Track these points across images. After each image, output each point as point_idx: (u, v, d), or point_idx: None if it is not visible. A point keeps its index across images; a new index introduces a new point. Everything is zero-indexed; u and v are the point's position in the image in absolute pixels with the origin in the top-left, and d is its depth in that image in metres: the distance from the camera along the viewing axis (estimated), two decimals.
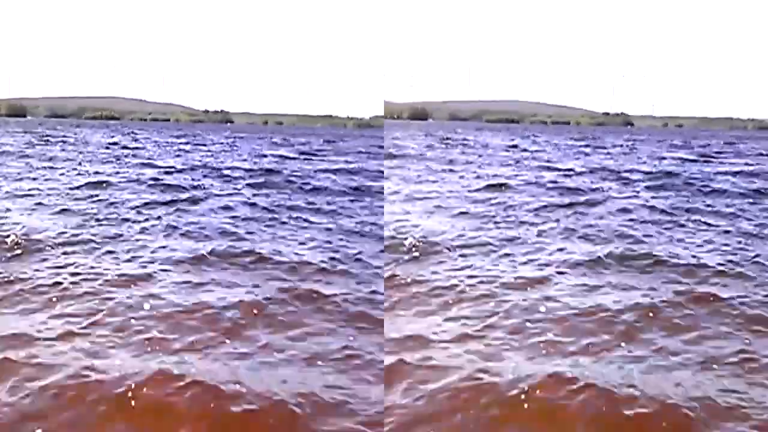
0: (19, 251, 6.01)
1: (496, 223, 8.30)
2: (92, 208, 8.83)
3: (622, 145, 33.54)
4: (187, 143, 32.45)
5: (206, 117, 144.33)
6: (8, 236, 6.43)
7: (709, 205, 10.28)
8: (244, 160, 20.42)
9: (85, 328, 4.15)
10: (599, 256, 6.25)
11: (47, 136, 35.12)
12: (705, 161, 22.07)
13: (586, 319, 4.54)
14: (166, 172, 14.76)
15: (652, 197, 11.23)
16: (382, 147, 28.25)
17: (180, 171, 15.31)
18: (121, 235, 6.91)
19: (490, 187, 11.97)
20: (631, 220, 8.88)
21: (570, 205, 9.97)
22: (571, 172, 15.66)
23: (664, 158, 23.20)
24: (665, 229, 8.11)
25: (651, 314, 4.66)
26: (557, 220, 8.61)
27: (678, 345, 4.19)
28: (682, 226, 8.43)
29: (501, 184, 12.32)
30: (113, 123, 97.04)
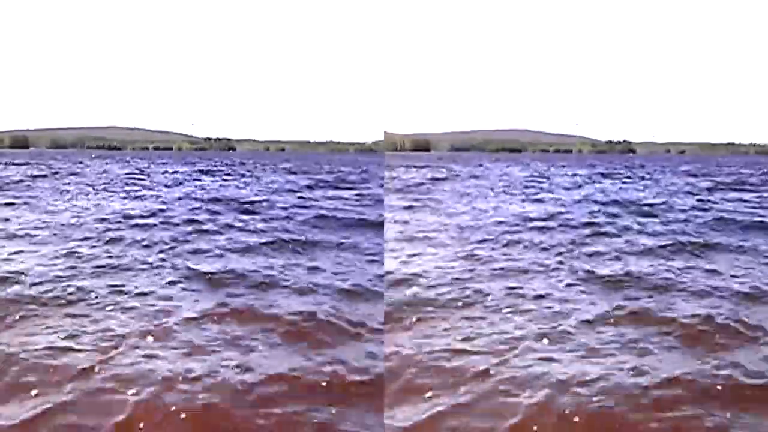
0: (17, 308, 5.61)
1: (502, 264, 7.89)
2: (97, 249, 8.50)
3: (629, 176, 33.28)
4: (191, 171, 32.35)
5: (208, 144, 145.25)
6: (8, 288, 6.18)
7: (740, 242, 9.56)
8: (259, 190, 19.99)
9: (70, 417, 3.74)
10: (616, 311, 5.75)
11: (50, 167, 35.02)
12: (723, 189, 21.57)
13: (608, 403, 3.91)
14: (173, 205, 14.45)
15: (671, 231, 10.69)
16: (384, 177, 28.07)
17: (186, 202, 15.01)
18: (124, 286, 6.51)
19: (495, 223, 11.60)
20: (649, 256, 8.46)
21: (582, 242, 9.58)
22: (581, 205, 15.30)
23: (676, 187, 22.72)
24: (686, 275, 7.46)
25: (681, 385, 4.13)
26: (568, 263, 8.03)
27: None
28: (709, 269, 7.77)
29: (506, 221, 11.92)
30: (115, 153, 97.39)
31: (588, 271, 7.42)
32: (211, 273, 7.10)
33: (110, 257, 7.98)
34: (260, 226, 11.21)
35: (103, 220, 11.42)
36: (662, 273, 7.44)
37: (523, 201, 16.65)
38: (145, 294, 6.21)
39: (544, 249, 9.04)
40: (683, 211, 14.10)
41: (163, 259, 7.96)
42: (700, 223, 11.79)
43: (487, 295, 6.35)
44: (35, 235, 9.61)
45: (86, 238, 9.38)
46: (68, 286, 6.33)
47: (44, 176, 25.87)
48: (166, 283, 6.70)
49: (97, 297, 6.03)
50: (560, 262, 8.05)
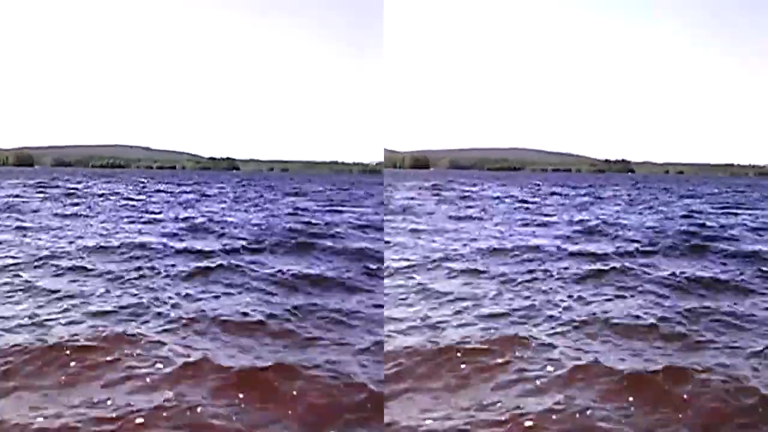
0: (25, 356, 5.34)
1: (507, 299, 7.55)
2: (106, 285, 8.14)
3: (635, 198, 32.77)
4: (198, 194, 32.29)
5: (212, 164, 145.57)
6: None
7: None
8: (272, 217, 19.15)
9: None
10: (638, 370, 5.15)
11: (53, 187, 34.96)
12: (737, 214, 20.93)
13: None
14: (183, 233, 14.10)
15: (690, 265, 10.07)
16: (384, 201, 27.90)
17: (193, 231, 14.63)
18: (131, 334, 6.09)
19: (496, 252, 11.13)
20: (662, 296, 7.91)
21: (590, 275, 9.08)
22: (586, 232, 14.73)
23: (685, 212, 21.98)
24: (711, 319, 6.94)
25: None
26: (576, 299, 7.58)
27: None
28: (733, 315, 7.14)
29: (508, 249, 11.40)
30: (120, 171, 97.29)
31: (602, 313, 7.14)
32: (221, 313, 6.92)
33: (122, 293, 7.71)
34: (273, 262, 10.98)
35: (109, 249, 11.12)
36: (690, 326, 7.14)
37: (527, 226, 16.39)
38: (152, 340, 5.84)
39: (552, 285, 8.46)
40: (709, 239, 13.55)
41: (173, 304, 7.28)
42: (730, 257, 10.93)
43: (489, 341, 5.88)
44: (42, 262, 9.34)
45: (94, 270, 9.03)
46: (80, 329, 6.07)
47: (48, 198, 25.72)
48: (178, 330, 6.18)
49: (107, 333, 5.81)
50: (572, 299, 7.67)
